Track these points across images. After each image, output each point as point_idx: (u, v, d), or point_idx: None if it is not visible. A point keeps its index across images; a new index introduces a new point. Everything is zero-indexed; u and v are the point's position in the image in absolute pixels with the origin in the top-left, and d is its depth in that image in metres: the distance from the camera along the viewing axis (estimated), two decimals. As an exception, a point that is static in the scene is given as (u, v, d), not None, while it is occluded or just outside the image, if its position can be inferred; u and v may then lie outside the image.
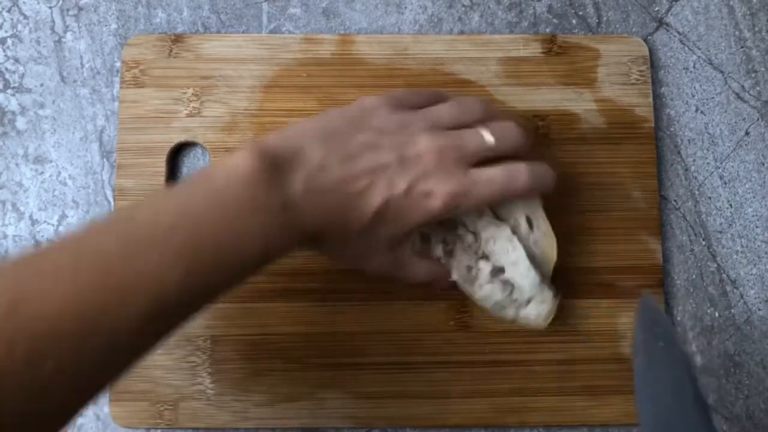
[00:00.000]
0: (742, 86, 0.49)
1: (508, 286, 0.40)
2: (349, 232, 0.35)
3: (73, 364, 0.26)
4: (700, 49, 0.49)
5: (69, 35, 0.48)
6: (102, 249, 0.28)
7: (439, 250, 0.41)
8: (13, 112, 0.47)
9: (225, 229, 0.31)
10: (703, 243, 0.47)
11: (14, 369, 0.24)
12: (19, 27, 0.48)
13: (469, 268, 0.41)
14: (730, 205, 0.48)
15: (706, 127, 0.48)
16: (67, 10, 0.48)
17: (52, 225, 0.46)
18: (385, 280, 0.41)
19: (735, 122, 0.49)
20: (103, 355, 0.27)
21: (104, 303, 0.27)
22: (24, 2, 0.48)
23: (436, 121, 0.38)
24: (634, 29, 0.49)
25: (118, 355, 0.28)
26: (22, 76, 0.47)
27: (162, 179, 0.45)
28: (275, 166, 0.33)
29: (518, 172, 0.38)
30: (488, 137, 0.37)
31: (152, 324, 0.29)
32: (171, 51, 0.46)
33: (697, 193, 0.48)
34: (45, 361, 0.25)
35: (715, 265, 0.47)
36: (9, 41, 0.48)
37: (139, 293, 0.28)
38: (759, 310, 0.47)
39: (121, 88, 0.46)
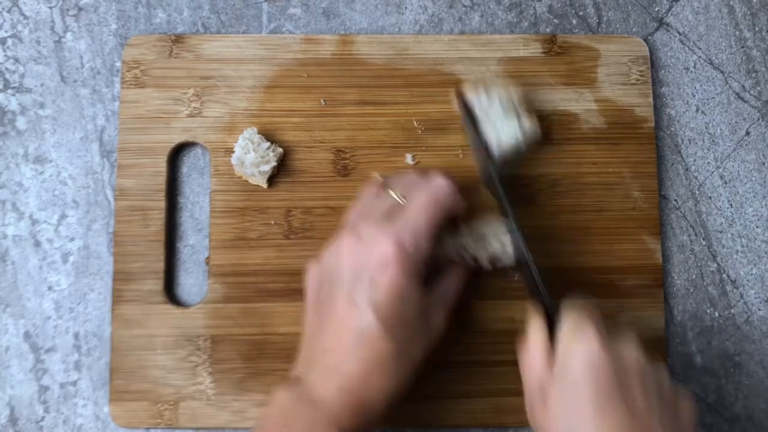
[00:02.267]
0: (743, 86, 0.49)
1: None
2: (381, 361, 0.35)
3: None
4: (700, 49, 0.49)
5: (69, 35, 0.48)
6: None
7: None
8: (13, 112, 0.47)
9: None
10: (704, 243, 0.47)
11: None
12: (19, 27, 0.48)
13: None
14: (731, 204, 0.48)
15: (706, 127, 0.48)
16: (67, 10, 0.48)
17: (52, 225, 0.46)
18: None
19: (735, 122, 0.49)
20: None
21: None
22: (24, 2, 0.48)
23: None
24: (634, 29, 0.49)
25: None
26: (22, 76, 0.47)
27: (162, 179, 0.45)
28: (297, 381, 0.36)
29: (435, 180, 0.39)
30: (389, 193, 0.39)
31: None
32: (171, 51, 0.46)
33: (697, 192, 0.48)
34: None
35: (715, 265, 0.47)
36: (9, 41, 0.48)
37: None
38: (759, 310, 0.47)
39: (121, 88, 0.46)
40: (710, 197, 0.48)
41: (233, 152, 0.44)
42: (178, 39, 0.46)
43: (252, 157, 0.43)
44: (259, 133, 0.44)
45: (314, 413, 0.34)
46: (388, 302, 0.35)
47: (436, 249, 0.41)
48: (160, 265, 0.45)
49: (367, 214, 0.39)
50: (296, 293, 0.43)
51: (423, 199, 0.38)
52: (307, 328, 0.38)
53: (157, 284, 0.44)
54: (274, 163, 0.44)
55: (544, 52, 0.47)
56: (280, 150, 0.45)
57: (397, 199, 0.39)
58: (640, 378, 0.34)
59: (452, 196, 0.39)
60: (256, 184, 0.45)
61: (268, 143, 0.44)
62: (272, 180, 0.45)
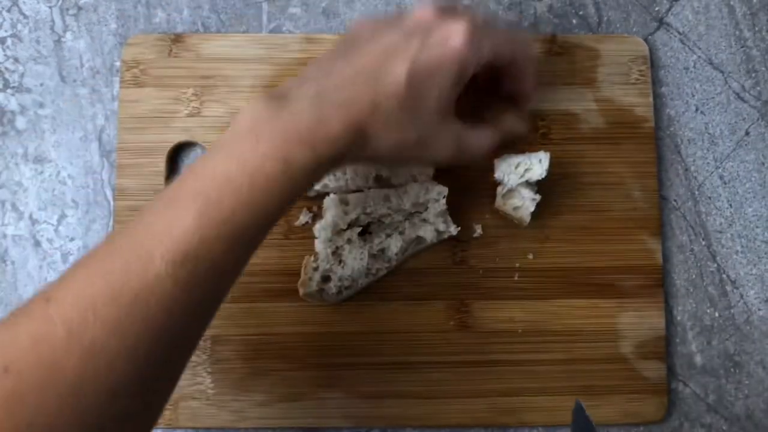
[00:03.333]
0: (743, 86, 0.49)
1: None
2: (390, 111, 0.34)
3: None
4: (700, 48, 0.49)
5: (69, 35, 0.48)
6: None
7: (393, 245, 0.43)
8: (13, 112, 0.47)
9: (226, 166, 0.30)
10: (703, 243, 0.47)
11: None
12: (19, 27, 0.48)
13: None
14: (730, 205, 0.48)
15: (706, 127, 0.48)
16: (67, 9, 0.48)
17: (52, 225, 0.46)
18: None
19: (735, 122, 0.48)
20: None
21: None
22: (24, 2, 0.48)
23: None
24: (634, 29, 0.49)
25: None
26: (21, 76, 0.47)
27: (162, 179, 0.45)
28: (279, 97, 0.33)
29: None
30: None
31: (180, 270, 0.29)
32: (171, 51, 0.46)
33: (697, 193, 0.48)
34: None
35: (715, 265, 0.47)
36: (9, 41, 0.48)
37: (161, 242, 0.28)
38: (759, 310, 0.47)
39: (120, 87, 0.46)
40: (710, 197, 0.48)
41: None
42: (177, 38, 0.46)
43: None
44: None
45: (291, 128, 0.31)
46: (428, 69, 0.34)
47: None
48: (160, 265, 0.45)
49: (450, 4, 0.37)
50: (296, 293, 0.43)
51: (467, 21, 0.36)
52: (322, 57, 0.36)
53: (156, 284, 0.44)
54: None
55: (544, 52, 0.47)
56: None
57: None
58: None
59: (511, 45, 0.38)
60: None
61: None
62: None
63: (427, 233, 0.43)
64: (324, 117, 0.32)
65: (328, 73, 0.34)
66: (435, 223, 0.43)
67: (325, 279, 0.43)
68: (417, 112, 0.35)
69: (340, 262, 0.43)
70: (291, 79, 0.35)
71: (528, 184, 0.42)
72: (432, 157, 0.39)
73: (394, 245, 0.43)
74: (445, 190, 0.43)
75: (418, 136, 0.36)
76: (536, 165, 0.42)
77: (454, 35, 0.35)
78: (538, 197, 0.42)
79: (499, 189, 0.43)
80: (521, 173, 0.42)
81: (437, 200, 0.43)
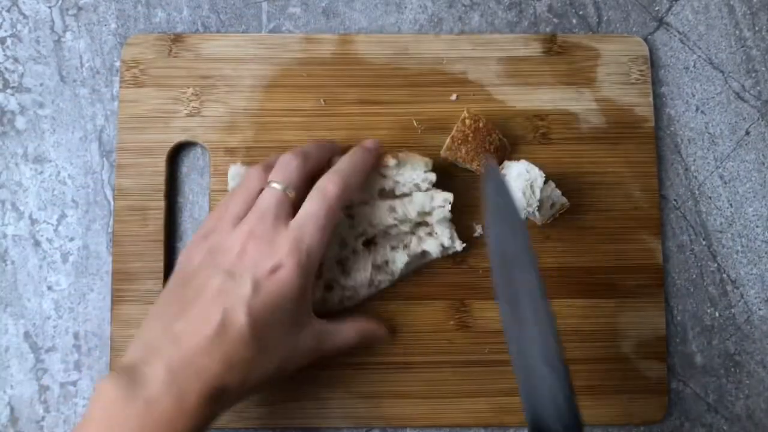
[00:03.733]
0: (743, 86, 0.49)
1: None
2: (243, 361, 0.34)
3: None
4: (700, 48, 0.49)
5: (68, 35, 0.48)
6: None
7: (363, 273, 0.42)
8: (13, 112, 0.47)
9: None
10: (704, 243, 0.47)
11: None
12: (19, 27, 0.48)
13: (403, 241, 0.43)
14: (731, 204, 0.48)
15: (706, 127, 0.48)
16: (67, 9, 0.48)
17: (52, 225, 0.46)
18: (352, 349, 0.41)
19: (735, 122, 0.48)
20: None
21: None
22: (23, 2, 0.48)
23: (233, 212, 0.38)
24: (634, 29, 0.49)
25: None
26: (21, 76, 0.47)
27: (162, 179, 0.45)
28: (130, 372, 0.32)
29: (326, 186, 0.37)
30: (274, 186, 0.37)
31: None
32: (170, 50, 0.46)
33: (697, 192, 0.48)
34: None
35: (716, 265, 0.47)
36: (8, 41, 0.48)
37: None
38: (759, 309, 0.47)
39: (120, 87, 0.46)
40: (710, 197, 0.48)
41: (229, 171, 0.43)
42: (177, 38, 0.46)
43: None
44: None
45: (147, 416, 0.31)
46: (267, 308, 0.34)
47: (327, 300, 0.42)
48: (160, 265, 0.45)
49: (262, 213, 0.36)
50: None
51: (315, 203, 0.37)
52: (159, 309, 0.36)
53: (156, 284, 0.44)
54: None
55: (544, 52, 0.47)
56: None
57: (284, 192, 0.37)
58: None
59: (342, 196, 0.37)
60: None
61: None
62: None
63: (432, 248, 0.43)
64: (180, 395, 0.32)
65: (172, 338, 0.33)
66: (440, 237, 0.43)
67: (328, 287, 0.42)
68: (269, 345, 0.35)
69: (344, 272, 0.42)
70: (133, 343, 0.35)
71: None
72: (299, 365, 0.38)
73: (399, 260, 0.43)
74: (450, 197, 0.42)
75: (278, 362, 0.36)
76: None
77: (282, 268, 0.35)
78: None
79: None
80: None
81: (442, 206, 0.42)
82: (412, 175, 0.42)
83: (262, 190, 0.38)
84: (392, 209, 0.42)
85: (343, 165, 0.39)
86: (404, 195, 0.43)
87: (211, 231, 0.38)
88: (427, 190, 0.43)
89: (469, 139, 0.43)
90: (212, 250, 0.37)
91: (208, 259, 0.36)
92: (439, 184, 0.43)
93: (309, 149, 0.40)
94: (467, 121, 0.43)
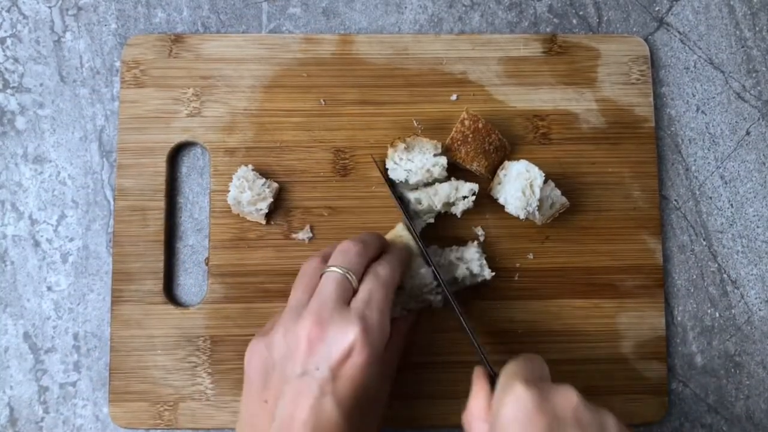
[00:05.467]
0: (743, 86, 0.49)
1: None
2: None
3: None
4: (700, 48, 0.49)
5: (68, 35, 0.48)
6: None
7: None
8: (13, 112, 0.47)
9: None
10: (704, 243, 0.47)
11: None
12: (19, 27, 0.48)
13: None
14: (731, 204, 0.48)
15: (706, 127, 0.48)
16: (67, 9, 0.48)
17: (52, 225, 0.46)
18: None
19: (736, 122, 0.48)
20: None
21: None
22: (23, 2, 0.48)
23: (295, 301, 0.37)
24: (634, 29, 0.49)
25: None
26: (21, 76, 0.47)
27: (162, 179, 0.45)
28: None
29: (377, 271, 0.37)
30: (334, 269, 0.37)
31: None
32: (171, 51, 0.46)
33: (697, 192, 0.48)
34: None
35: (716, 265, 0.47)
36: (8, 41, 0.48)
37: None
38: (759, 310, 0.47)
39: (121, 87, 0.46)
40: (710, 197, 0.48)
41: (228, 191, 0.43)
42: (177, 38, 0.46)
43: (248, 196, 0.43)
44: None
45: None
46: (354, 392, 0.34)
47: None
48: (160, 266, 0.45)
49: (325, 299, 0.36)
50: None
51: (373, 283, 0.37)
52: (248, 418, 0.36)
53: (156, 284, 0.44)
54: (271, 199, 0.44)
55: (544, 52, 0.47)
56: (276, 185, 0.44)
57: (346, 277, 0.36)
58: (576, 423, 0.31)
59: (395, 276, 0.38)
60: (254, 221, 0.45)
61: (263, 179, 0.44)
62: (270, 214, 0.45)
63: (462, 273, 0.43)
64: None
65: None
66: (471, 264, 0.43)
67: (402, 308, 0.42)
68: (363, 424, 0.35)
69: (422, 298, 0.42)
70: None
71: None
72: (386, 398, 0.39)
73: (435, 300, 0.42)
74: (476, 187, 0.43)
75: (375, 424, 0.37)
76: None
77: (355, 352, 0.34)
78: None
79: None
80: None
81: (467, 197, 0.43)
82: (422, 159, 0.42)
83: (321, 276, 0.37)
84: (417, 201, 0.43)
85: (389, 255, 0.39)
86: (428, 185, 0.43)
87: (275, 324, 0.37)
88: (440, 175, 0.43)
89: (469, 139, 0.43)
90: (278, 346, 0.36)
91: (277, 357, 0.36)
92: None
93: (367, 238, 0.40)
94: (466, 122, 0.43)
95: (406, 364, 0.44)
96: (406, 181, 0.43)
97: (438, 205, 0.43)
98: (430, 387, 0.44)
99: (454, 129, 0.44)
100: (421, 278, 0.41)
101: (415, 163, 0.43)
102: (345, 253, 0.37)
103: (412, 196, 0.43)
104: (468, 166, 0.44)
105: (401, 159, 0.43)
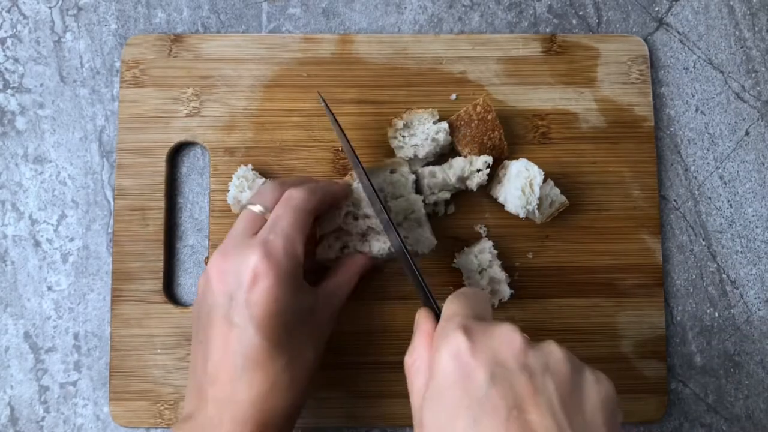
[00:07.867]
0: (742, 86, 0.49)
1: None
2: (284, 369, 0.35)
3: None
4: (700, 48, 0.49)
5: (68, 35, 0.48)
6: None
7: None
8: (13, 112, 0.47)
9: None
10: (703, 243, 0.47)
11: None
12: (19, 27, 0.48)
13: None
14: (730, 205, 0.48)
15: (706, 127, 0.48)
16: (67, 10, 0.48)
17: (52, 225, 0.46)
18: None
19: (735, 122, 0.48)
20: None
21: None
22: (24, 2, 0.48)
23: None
24: (634, 29, 0.49)
25: None
26: (21, 76, 0.47)
27: (162, 179, 0.45)
28: (189, 421, 0.35)
29: (290, 194, 0.37)
30: (247, 208, 0.38)
31: None
32: (171, 51, 0.46)
33: (697, 193, 0.48)
34: None
35: (715, 265, 0.47)
36: (9, 41, 0.48)
37: None
38: (759, 310, 0.47)
39: (120, 87, 0.46)
40: (710, 197, 0.48)
41: (228, 191, 0.43)
42: (177, 38, 0.46)
43: (248, 195, 0.43)
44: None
45: None
46: (268, 316, 0.34)
47: (318, 253, 0.42)
48: (160, 265, 0.45)
49: (233, 234, 0.37)
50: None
51: (281, 208, 0.37)
52: (192, 361, 0.37)
53: (156, 284, 0.44)
54: None
55: (543, 52, 0.47)
56: None
57: (258, 211, 0.37)
58: (521, 367, 0.29)
59: (308, 199, 0.37)
60: None
61: (263, 179, 0.44)
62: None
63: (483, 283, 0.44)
64: (241, 428, 0.33)
65: (211, 380, 0.34)
66: (481, 256, 0.44)
67: (344, 248, 0.43)
68: (292, 344, 0.35)
69: (365, 243, 0.42)
70: (187, 388, 0.37)
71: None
72: (327, 333, 0.39)
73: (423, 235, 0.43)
74: (490, 160, 0.43)
75: (312, 346, 0.37)
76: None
77: (259, 276, 0.34)
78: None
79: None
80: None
81: (481, 170, 0.43)
82: (424, 130, 0.43)
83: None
84: (432, 174, 0.43)
85: (307, 183, 0.40)
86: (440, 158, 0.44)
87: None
88: (445, 141, 0.43)
89: (473, 125, 0.43)
90: (200, 289, 0.37)
91: (201, 299, 0.37)
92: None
93: (289, 178, 0.41)
94: (478, 108, 0.43)
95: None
96: (416, 156, 0.43)
97: (452, 179, 0.43)
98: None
99: (463, 109, 0.44)
100: (359, 204, 0.42)
101: (418, 136, 0.43)
102: (262, 192, 0.39)
103: (426, 170, 0.43)
104: (459, 149, 0.44)
105: (404, 136, 0.43)
